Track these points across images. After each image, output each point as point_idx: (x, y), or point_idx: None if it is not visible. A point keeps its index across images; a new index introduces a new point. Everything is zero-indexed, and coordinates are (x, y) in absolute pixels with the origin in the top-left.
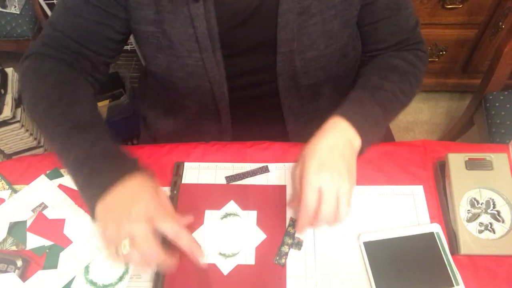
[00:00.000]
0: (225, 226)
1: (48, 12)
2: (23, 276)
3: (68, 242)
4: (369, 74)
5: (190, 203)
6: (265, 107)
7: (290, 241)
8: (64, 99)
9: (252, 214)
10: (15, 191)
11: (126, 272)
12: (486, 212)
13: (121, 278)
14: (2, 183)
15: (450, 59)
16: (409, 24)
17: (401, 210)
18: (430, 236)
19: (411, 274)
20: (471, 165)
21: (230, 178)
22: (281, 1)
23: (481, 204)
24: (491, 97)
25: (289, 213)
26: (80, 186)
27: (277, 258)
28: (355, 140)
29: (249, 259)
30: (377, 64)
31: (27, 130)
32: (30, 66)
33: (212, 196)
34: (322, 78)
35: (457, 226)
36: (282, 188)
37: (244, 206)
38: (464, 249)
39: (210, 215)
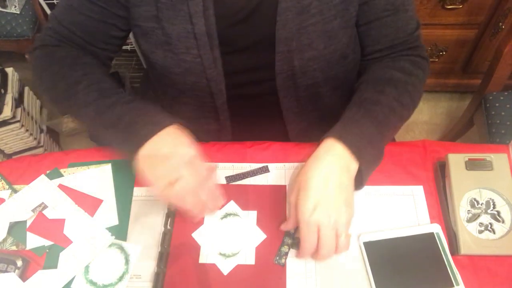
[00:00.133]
0: (225, 226)
1: (49, 12)
2: (23, 276)
3: (68, 242)
4: (364, 89)
5: None
6: (265, 105)
7: (290, 241)
8: (88, 75)
9: (252, 214)
10: (15, 191)
11: (126, 272)
12: (486, 212)
13: (121, 278)
14: (2, 183)
15: (450, 59)
16: (408, 27)
17: (401, 210)
18: (430, 236)
19: (411, 274)
20: (471, 165)
21: (230, 178)
22: (280, 0)
23: (481, 205)
24: (491, 98)
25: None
26: (119, 141)
27: (277, 258)
28: (351, 164)
29: (249, 259)
30: (372, 77)
31: (27, 130)
32: (43, 54)
33: None
34: (321, 79)
35: (457, 226)
36: (282, 188)
37: (244, 206)
38: (464, 249)
39: (210, 215)
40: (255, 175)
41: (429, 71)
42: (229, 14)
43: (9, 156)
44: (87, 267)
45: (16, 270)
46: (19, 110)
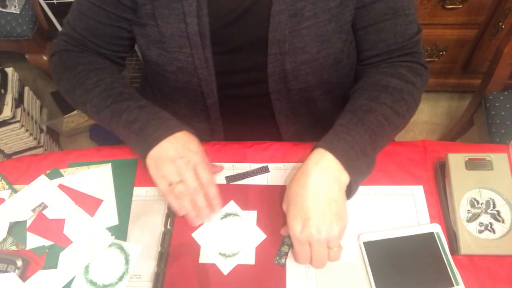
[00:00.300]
0: (225, 226)
1: (48, 12)
2: (23, 276)
3: (68, 242)
4: (359, 96)
5: None
6: (257, 107)
7: (290, 241)
8: (103, 80)
9: (252, 214)
10: (15, 191)
11: (126, 272)
12: (486, 212)
13: (121, 278)
14: (2, 183)
15: (450, 59)
16: (407, 32)
17: (401, 210)
18: (430, 236)
19: (411, 274)
20: (471, 165)
21: (230, 178)
22: (274, 2)
23: (481, 204)
24: (491, 97)
25: None
26: (133, 142)
27: (277, 258)
28: (342, 176)
29: (249, 259)
30: (367, 83)
31: (27, 130)
32: (60, 60)
33: None
34: (313, 83)
35: (457, 226)
36: (282, 188)
37: (244, 206)
38: (464, 249)
39: (206, 222)
40: (255, 175)
41: (428, 78)
42: (223, 15)
43: (9, 156)
44: (87, 267)
45: (16, 270)
46: (19, 110)
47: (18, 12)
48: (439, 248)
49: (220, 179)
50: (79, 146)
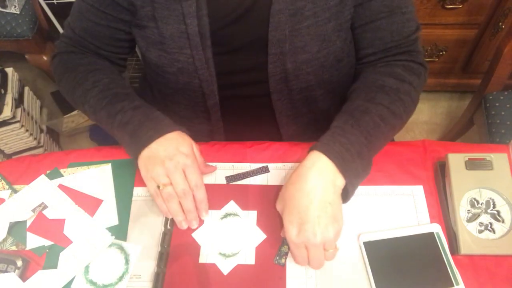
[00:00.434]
0: (225, 226)
1: (48, 12)
2: (23, 276)
3: (68, 242)
4: (355, 97)
5: None
6: (257, 107)
7: None
8: (101, 81)
9: (252, 214)
10: (15, 191)
11: (126, 272)
12: (486, 212)
13: (121, 278)
14: (2, 183)
15: (450, 59)
16: (404, 30)
17: (401, 210)
18: (430, 236)
19: (411, 274)
20: (471, 165)
21: (230, 178)
22: (273, 1)
23: (481, 204)
24: (491, 97)
25: None
26: (127, 143)
27: (277, 258)
28: (337, 179)
29: (249, 259)
30: (364, 84)
31: (27, 130)
32: (61, 61)
33: (212, 196)
34: (314, 82)
35: (457, 226)
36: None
37: (244, 206)
38: (464, 249)
39: (210, 215)
40: (255, 175)
41: (426, 77)
42: (222, 15)
43: (9, 156)
44: (87, 267)
45: (16, 270)
46: (19, 110)
47: (18, 12)
48: (439, 248)
49: (220, 179)
50: (79, 146)
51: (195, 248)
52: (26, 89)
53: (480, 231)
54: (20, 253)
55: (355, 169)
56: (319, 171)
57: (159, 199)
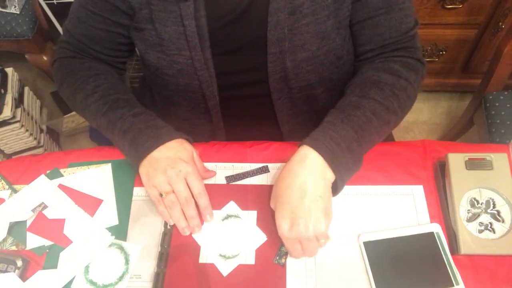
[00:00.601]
0: (226, 228)
1: (48, 12)
2: (23, 276)
3: (68, 242)
4: (350, 92)
5: None
6: (258, 107)
7: None
8: (101, 86)
9: (252, 214)
10: (15, 191)
11: (126, 272)
12: (486, 212)
13: (121, 278)
14: (2, 183)
15: (450, 59)
16: (402, 26)
17: (401, 210)
18: (430, 236)
19: (411, 274)
20: (471, 165)
21: (230, 178)
22: (271, 0)
23: (481, 204)
24: (491, 97)
25: None
26: (127, 151)
27: (277, 258)
28: (327, 173)
29: (249, 259)
30: (359, 79)
31: (27, 130)
32: (61, 66)
33: (212, 196)
34: (314, 81)
35: (457, 226)
36: None
37: (244, 206)
38: (464, 249)
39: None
40: (255, 175)
41: (424, 74)
42: (220, 16)
43: (9, 156)
44: (87, 267)
45: (16, 270)
46: (19, 110)
47: (18, 12)
48: (439, 248)
49: (220, 179)
50: (79, 146)
51: (195, 248)
52: (26, 89)
53: (480, 231)
54: (20, 253)
55: (345, 164)
56: (308, 166)
57: (161, 206)
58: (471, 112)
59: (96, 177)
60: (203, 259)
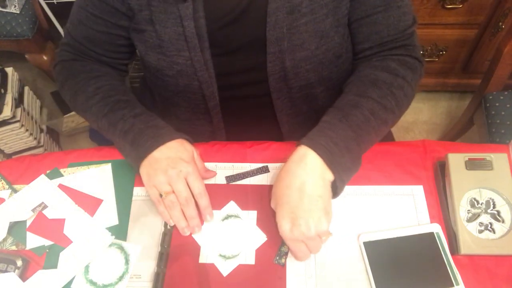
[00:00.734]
0: (226, 228)
1: (48, 12)
2: (23, 276)
3: (68, 242)
4: (347, 91)
5: None
6: (258, 107)
7: None
8: (102, 88)
9: (252, 214)
10: (15, 191)
11: (126, 272)
12: (486, 212)
13: (121, 278)
14: (2, 183)
15: (450, 59)
16: (400, 24)
17: (401, 210)
18: (430, 236)
19: (411, 274)
20: (471, 165)
21: (230, 178)
22: (270, 0)
23: (481, 204)
24: (491, 97)
25: None
26: (128, 151)
27: (277, 258)
28: (326, 173)
29: (249, 259)
30: (357, 78)
31: (27, 130)
32: (63, 69)
33: (212, 196)
34: (314, 80)
35: (457, 226)
36: None
37: (244, 206)
38: (464, 249)
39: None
40: (255, 175)
41: (422, 72)
42: (219, 16)
43: (9, 156)
44: (87, 267)
45: (16, 270)
46: (19, 110)
47: (18, 12)
48: (439, 248)
49: (220, 179)
50: (79, 146)
51: (195, 248)
52: (26, 89)
53: (480, 231)
54: (20, 253)
55: (343, 164)
56: (307, 166)
57: (161, 206)
58: (471, 112)
59: (96, 177)
60: (203, 259)
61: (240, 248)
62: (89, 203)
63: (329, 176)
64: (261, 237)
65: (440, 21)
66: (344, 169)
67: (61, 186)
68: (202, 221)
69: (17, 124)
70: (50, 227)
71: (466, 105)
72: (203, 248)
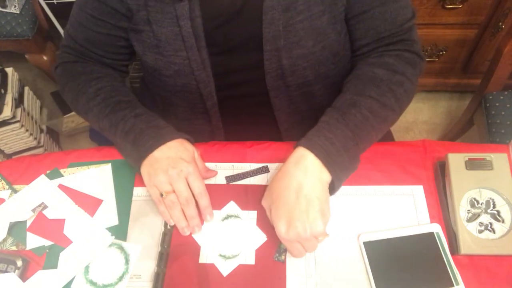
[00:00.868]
0: (226, 228)
1: (48, 12)
2: (23, 276)
3: (68, 242)
4: (346, 90)
5: None
6: (256, 106)
7: None
8: (104, 89)
9: (252, 214)
10: (15, 191)
11: (126, 272)
12: (486, 212)
13: (121, 278)
14: (2, 183)
15: (450, 59)
16: (397, 18)
17: (401, 210)
18: (430, 236)
19: (411, 274)
20: (471, 165)
21: (230, 178)
22: None
23: (481, 204)
24: (491, 97)
25: None
26: (129, 152)
27: (277, 255)
28: (323, 174)
29: (249, 259)
30: (355, 76)
31: (27, 130)
32: (64, 71)
33: (212, 196)
34: (311, 78)
35: (457, 226)
36: None
37: (244, 206)
38: (464, 249)
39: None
40: (255, 175)
41: (422, 68)
42: (215, 15)
43: (9, 156)
44: (87, 267)
45: (16, 270)
46: (19, 110)
47: (18, 12)
48: (439, 248)
49: (220, 179)
50: (79, 146)
51: (195, 248)
52: (26, 89)
53: (480, 231)
54: (20, 253)
55: (340, 163)
56: (304, 168)
57: (161, 206)
58: (471, 112)
59: (96, 177)
60: (203, 259)
61: (240, 248)
62: (89, 203)
63: (327, 176)
64: (261, 237)
65: (440, 21)
66: (341, 168)
67: (61, 186)
68: (202, 221)
69: (17, 124)
70: (50, 227)
71: (466, 105)
72: (203, 248)
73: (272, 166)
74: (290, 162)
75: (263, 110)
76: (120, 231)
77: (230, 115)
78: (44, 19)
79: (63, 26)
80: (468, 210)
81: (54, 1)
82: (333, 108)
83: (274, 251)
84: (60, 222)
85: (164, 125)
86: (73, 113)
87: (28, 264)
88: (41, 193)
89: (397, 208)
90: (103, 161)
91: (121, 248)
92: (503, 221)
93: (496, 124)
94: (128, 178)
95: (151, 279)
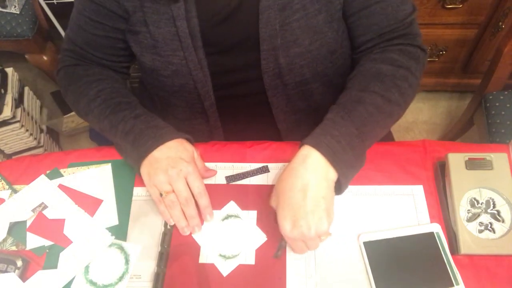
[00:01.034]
0: (226, 228)
1: (48, 12)
2: (23, 276)
3: (68, 242)
4: (350, 87)
5: None
6: (254, 105)
7: None
8: (104, 91)
9: (252, 214)
10: (15, 191)
11: (126, 272)
12: (486, 212)
13: (121, 278)
14: (2, 183)
15: (450, 59)
16: (398, 13)
17: (401, 210)
18: (430, 236)
19: (411, 274)
20: (471, 165)
21: (230, 178)
22: None
23: (481, 204)
24: (491, 97)
25: None
26: (129, 152)
27: (278, 253)
28: (329, 173)
29: (249, 259)
30: (359, 73)
31: (27, 130)
32: (66, 74)
33: (212, 196)
34: (308, 76)
35: (457, 226)
36: None
37: (244, 206)
38: (464, 249)
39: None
40: (255, 175)
41: (425, 61)
42: (211, 15)
43: (9, 156)
44: (87, 267)
45: (16, 270)
46: (19, 110)
47: (18, 12)
48: (439, 248)
49: (220, 179)
50: (79, 146)
51: (195, 248)
52: (26, 89)
53: (480, 231)
54: (20, 253)
55: (346, 161)
56: (310, 167)
57: (161, 206)
58: (471, 112)
59: (96, 177)
60: (203, 259)
61: (240, 248)
62: (89, 203)
63: (333, 175)
64: (261, 237)
65: (440, 21)
66: (348, 166)
67: (61, 186)
68: (202, 220)
69: (17, 124)
70: (50, 227)
71: (466, 105)
72: (203, 248)
73: (272, 166)
74: (296, 161)
75: (261, 110)
76: (120, 231)
77: (229, 115)
78: (44, 19)
79: (63, 26)
80: (468, 210)
81: (54, 1)
82: (338, 105)
83: (274, 251)
84: (60, 222)
85: (164, 125)
86: (73, 113)
87: (28, 264)
88: (41, 193)
89: (397, 208)
90: (103, 161)
91: (121, 248)
92: (503, 221)
93: (496, 124)
94: (128, 178)
95: (151, 279)
